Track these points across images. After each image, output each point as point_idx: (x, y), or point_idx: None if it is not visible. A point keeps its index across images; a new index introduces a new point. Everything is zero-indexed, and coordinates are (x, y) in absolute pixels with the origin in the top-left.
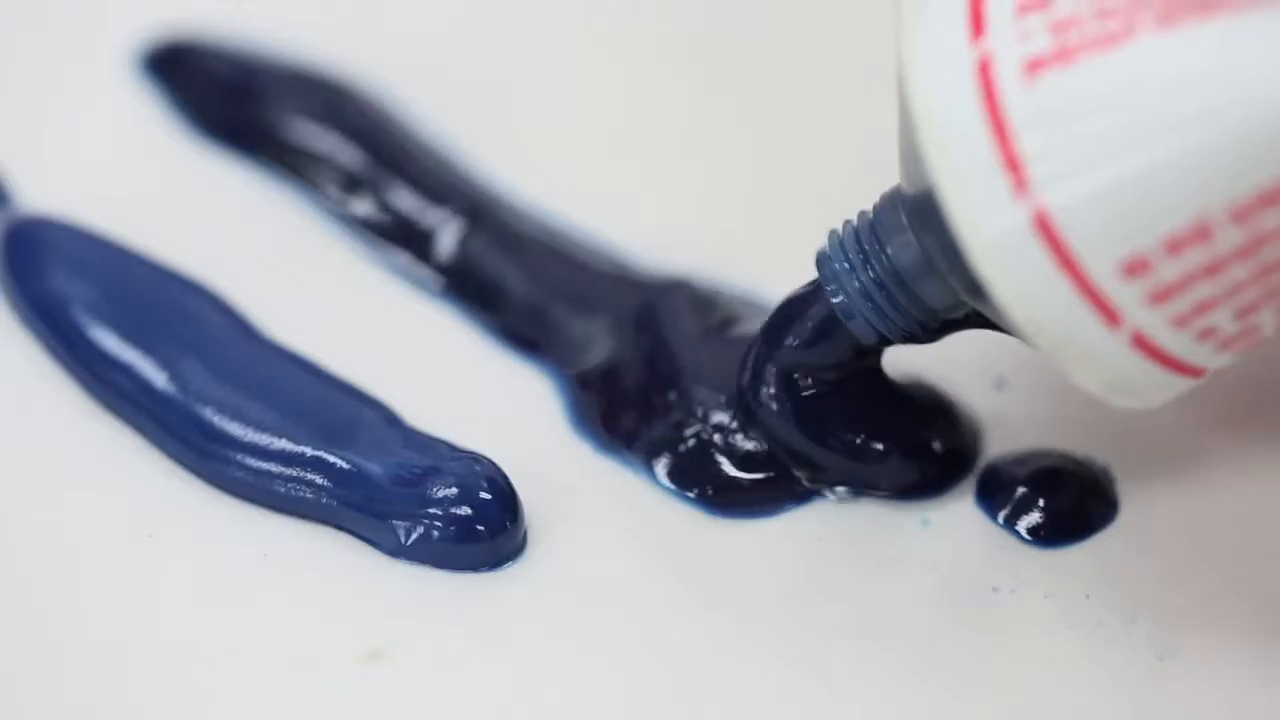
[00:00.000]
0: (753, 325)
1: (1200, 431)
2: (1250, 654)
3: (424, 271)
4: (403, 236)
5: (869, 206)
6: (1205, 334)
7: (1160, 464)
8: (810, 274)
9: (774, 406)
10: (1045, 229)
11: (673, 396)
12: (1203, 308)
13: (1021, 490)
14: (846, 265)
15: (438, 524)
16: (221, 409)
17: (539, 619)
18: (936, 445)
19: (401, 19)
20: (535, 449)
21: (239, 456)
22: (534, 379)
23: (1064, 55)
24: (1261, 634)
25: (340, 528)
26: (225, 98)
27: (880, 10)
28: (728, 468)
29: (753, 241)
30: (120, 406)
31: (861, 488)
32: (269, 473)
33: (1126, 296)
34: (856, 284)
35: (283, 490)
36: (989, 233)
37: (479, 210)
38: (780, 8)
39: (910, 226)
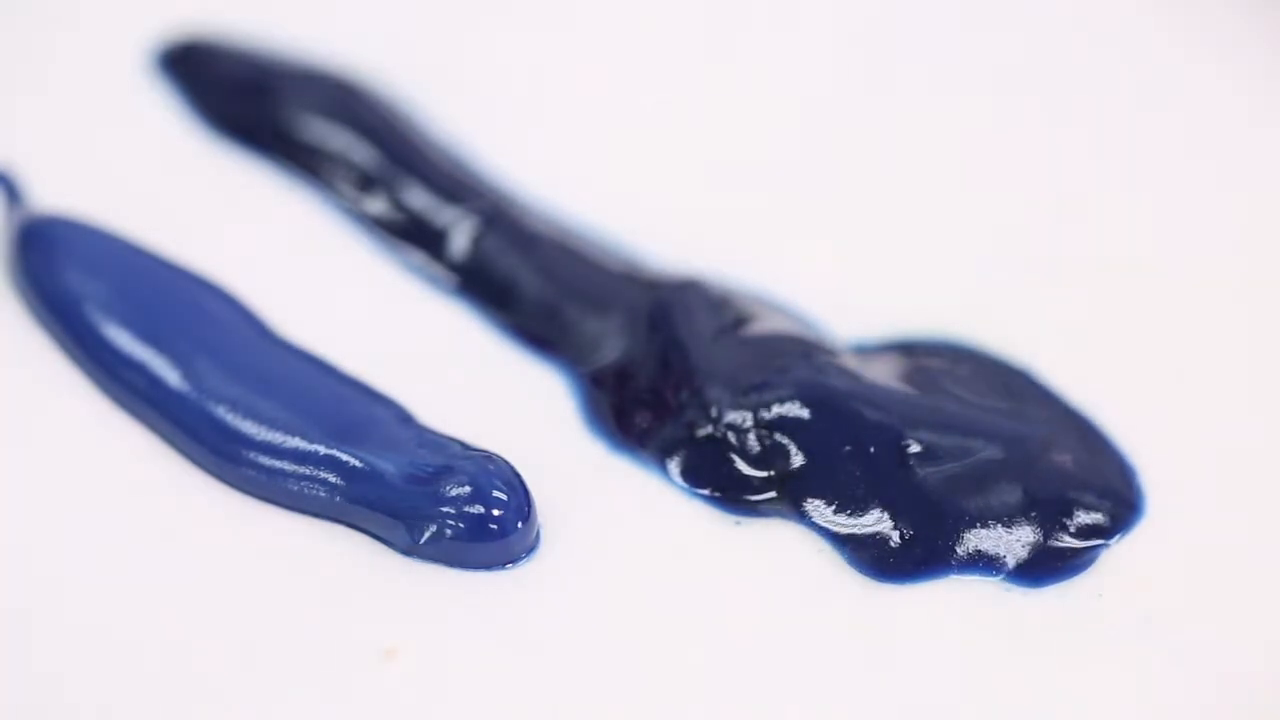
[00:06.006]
0: (765, 323)
1: (1218, 432)
2: (1264, 653)
3: (438, 270)
4: (416, 235)
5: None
6: None
7: (1177, 464)
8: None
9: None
10: None
11: (686, 395)
12: None
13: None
14: None
15: (451, 522)
16: (235, 407)
17: (552, 617)
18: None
19: (414, 18)
20: (548, 448)
21: (252, 455)
22: (547, 378)
23: None
24: (1276, 633)
25: (353, 526)
26: (239, 96)
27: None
28: (741, 466)
29: (766, 240)
30: (134, 405)
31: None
32: (282, 471)
33: None
34: None
35: (296, 488)
36: None
37: (493, 209)
38: (793, 9)
39: None
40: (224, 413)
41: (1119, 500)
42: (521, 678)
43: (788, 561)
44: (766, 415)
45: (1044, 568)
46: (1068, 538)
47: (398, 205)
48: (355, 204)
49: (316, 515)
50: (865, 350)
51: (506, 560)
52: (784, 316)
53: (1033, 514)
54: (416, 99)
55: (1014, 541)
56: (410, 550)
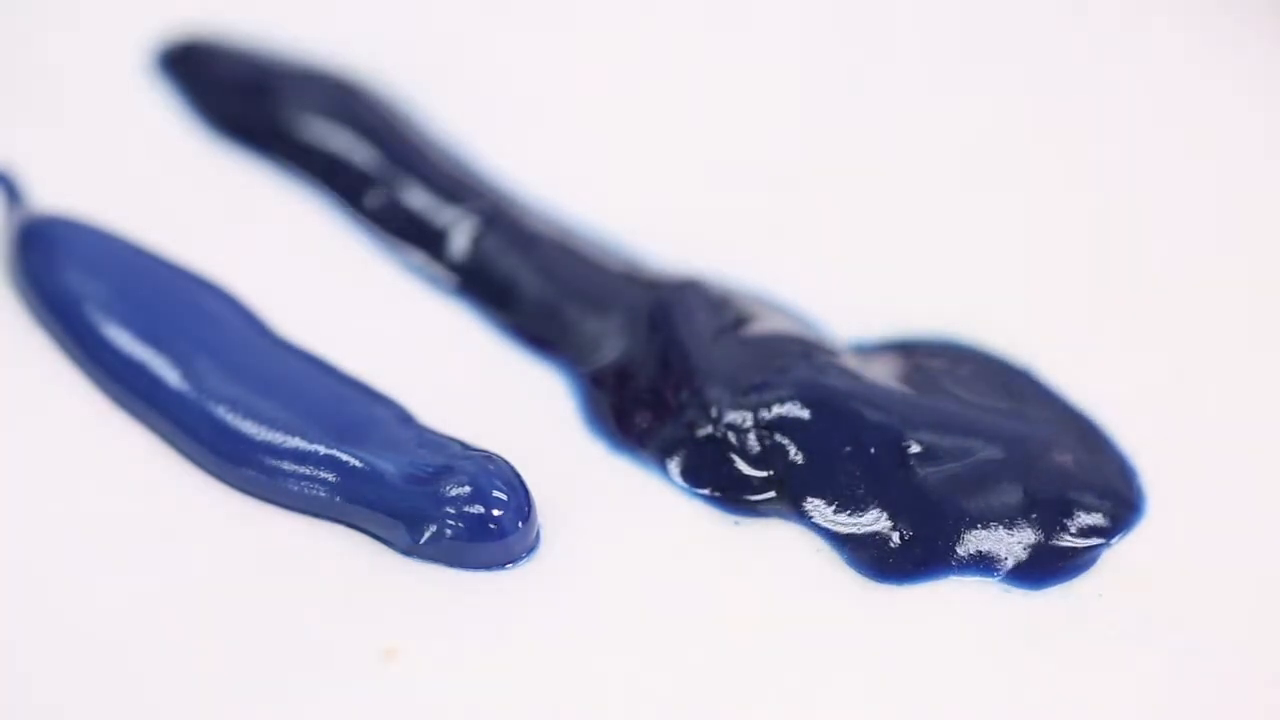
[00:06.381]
0: (765, 323)
1: (1218, 432)
2: (1264, 653)
3: (438, 270)
4: (416, 235)
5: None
6: None
7: (1177, 464)
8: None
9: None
10: None
11: (686, 395)
12: None
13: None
14: None
15: (451, 523)
16: (235, 407)
17: (552, 618)
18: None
19: (414, 18)
20: (548, 448)
21: (252, 455)
22: (547, 378)
23: None
24: (1276, 633)
25: (353, 526)
26: (239, 96)
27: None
28: (741, 466)
29: (765, 240)
30: (134, 405)
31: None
32: (282, 471)
33: None
34: None
35: (296, 488)
36: None
37: (493, 209)
38: (792, 8)
39: None
40: (224, 413)
41: (1119, 500)
42: (521, 678)
43: (787, 562)
44: (766, 415)
45: (1044, 568)
46: (1068, 538)
47: (397, 205)
48: (354, 204)
49: (316, 515)
50: (865, 350)
51: (506, 560)
52: (784, 316)
53: (1033, 514)
54: (416, 99)
55: (1014, 542)
56: (410, 550)
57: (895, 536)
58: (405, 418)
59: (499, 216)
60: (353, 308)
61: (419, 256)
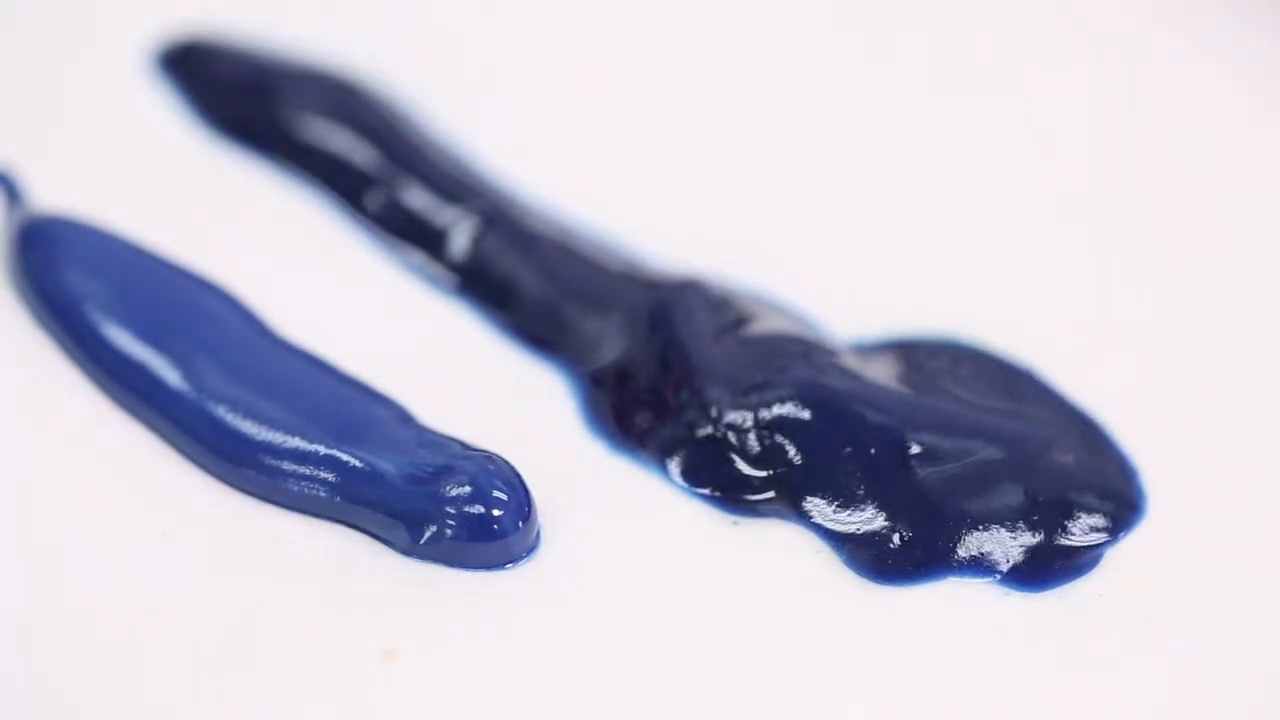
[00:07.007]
0: (765, 323)
1: (1218, 432)
2: (1264, 653)
3: (438, 270)
4: (416, 235)
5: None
6: None
7: (1177, 464)
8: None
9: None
10: None
11: (686, 395)
12: None
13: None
14: None
15: (451, 523)
16: (235, 407)
17: (552, 618)
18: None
19: (414, 18)
20: (548, 448)
21: (252, 454)
22: (547, 378)
23: None
24: (1276, 633)
25: (353, 526)
26: (239, 96)
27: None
28: (741, 466)
29: (765, 240)
30: (134, 404)
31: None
32: (282, 471)
33: None
34: None
35: (296, 488)
36: None
37: (493, 209)
38: (792, 8)
39: None
40: (224, 413)
41: (1120, 500)
42: (521, 678)
43: (786, 562)
44: (766, 415)
45: (1045, 569)
46: (1069, 538)
47: (397, 205)
48: (354, 204)
49: (316, 515)
50: (865, 350)
51: (506, 560)
52: (784, 316)
53: (1034, 515)
54: (416, 99)
55: (1014, 543)
56: (410, 550)
57: (895, 537)
58: (405, 418)
59: (499, 216)
60: (353, 308)
61: (419, 256)
